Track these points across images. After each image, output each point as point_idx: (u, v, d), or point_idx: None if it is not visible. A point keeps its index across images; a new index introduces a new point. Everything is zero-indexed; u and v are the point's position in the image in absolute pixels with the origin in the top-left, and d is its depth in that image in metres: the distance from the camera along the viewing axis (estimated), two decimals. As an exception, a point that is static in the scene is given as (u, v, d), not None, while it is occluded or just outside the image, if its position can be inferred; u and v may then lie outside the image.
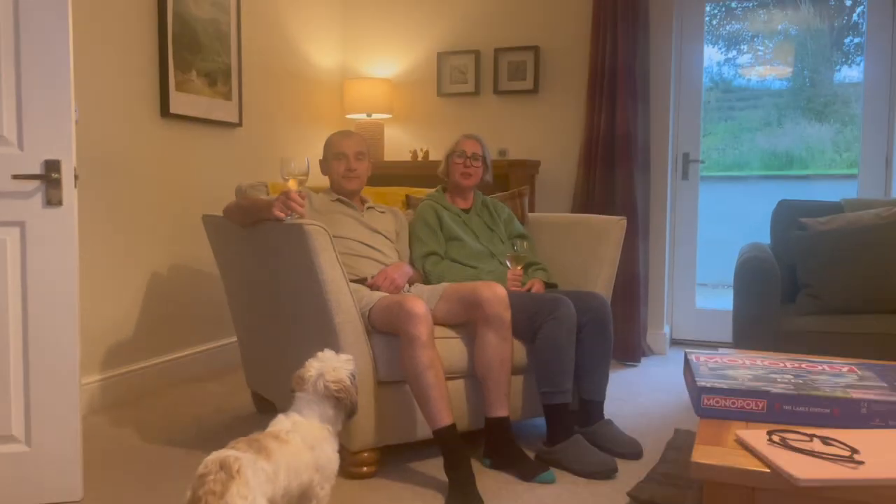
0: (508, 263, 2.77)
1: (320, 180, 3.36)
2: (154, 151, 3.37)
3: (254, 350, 2.93)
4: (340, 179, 2.76)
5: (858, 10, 4.06)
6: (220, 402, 3.20)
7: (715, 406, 1.65)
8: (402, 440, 2.43)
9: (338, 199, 2.77)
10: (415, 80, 4.69)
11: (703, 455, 1.42)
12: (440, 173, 3.04)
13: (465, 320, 2.44)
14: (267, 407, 3.00)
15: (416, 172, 4.28)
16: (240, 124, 3.86)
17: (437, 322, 2.40)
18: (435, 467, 2.43)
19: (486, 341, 2.38)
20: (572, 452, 2.41)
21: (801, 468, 1.31)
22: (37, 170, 2.10)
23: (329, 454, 1.80)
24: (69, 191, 2.13)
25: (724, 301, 4.34)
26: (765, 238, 3.50)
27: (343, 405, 1.85)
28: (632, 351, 3.95)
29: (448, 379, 2.33)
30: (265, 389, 2.90)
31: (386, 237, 2.80)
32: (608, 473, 2.36)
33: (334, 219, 2.68)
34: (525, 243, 2.84)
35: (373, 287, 2.58)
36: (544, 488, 2.27)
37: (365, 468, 2.37)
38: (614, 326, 2.69)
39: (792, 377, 1.75)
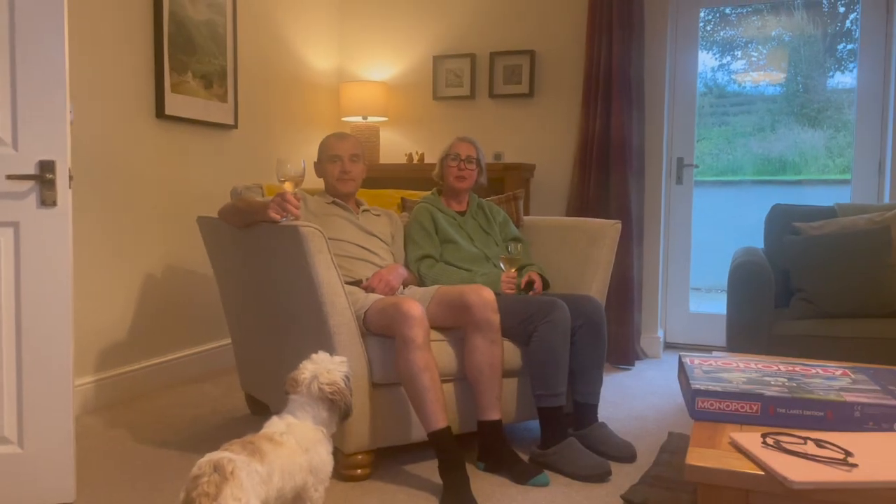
0: (503, 266, 2.77)
1: (316, 183, 3.36)
2: (149, 153, 3.37)
3: (248, 352, 2.92)
4: (335, 182, 2.76)
5: (851, 16, 4.08)
6: (214, 404, 3.19)
7: (709, 409, 1.66)
8: (397, 442, 2.43)
9: (333, 202, 2.77)
10: (410, 83, 4.70)
11: (698, 458, 1.43)
12: (435, 176, 3.04)
13: (455, 324, 2.44)
14: (261, 409, 2.99)
15: (411, 175, 4.28)
16: (235, 126, 3.86)
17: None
18: (429, 470, 2.43)
19: (475, 345, 2.38)
20: (566, 455, 2.41)
21: (795, 471, 1.32)
22: (31, 170, 2.09)
23: (323, 456, 1.80)
24: (63, 191, 2.13)
25: (717, 305, 4.36)
26: (758, 242, 3.51)
27: (337, 407, 1.85)
28: (626, 354, 3.96)
29: (440, 382, 2.32)
30: (259, 391, 2.90)
31: (381, 240, 2.80)
32: (602, 476, 2.36)
33: (329, 221, 2.68)
34: (519, 246, 2.84)
35: (368, 289, 2.58)
36: (538, 491, 2.28)
37: (359, 470, 2.36)
38: (608, 330, 2.70)
39: (786, 380, 1.76)
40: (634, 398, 3.36)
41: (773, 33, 4.25)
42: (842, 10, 4.11)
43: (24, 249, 2.11)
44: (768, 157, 4.37)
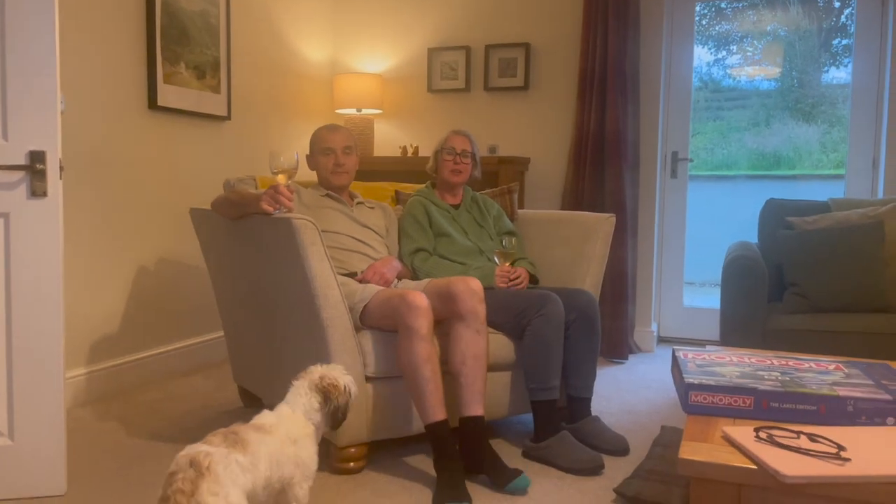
0: (497, 259, 2.76)
1: (309, 175, 3.35)
2: (141, 144, 3.34)
3: (241, 345, 2.91)
4: (329, 175, 2.74)
5: (847, 11, 4.08)
6: (206, 397, 3.18)
7: (702, 403, 1.66)
8: (390, 436, 2.43)
9: (327, 195, 2.76)
10: (405, 75, 4.68)
11: (691, 451, 1.43)
12: (429, 170, 3.03)
13: (443, 314, 2.40)
14: (254, 402, 2.98)
15: (405, 168, 4.27)
16: (228, 118, 3.84)
17: None
18: (422, 462, 2.43)
19: (459, 335, 2.34)
20: (559, 448, 2.41)
21: (788, 465, 1.32)
22: (21, 160, 2.08)
23: (310, 452, 1.79)
24: (54, 182, 2.11)
25: (711, 299, 4.37)
26: (752, 237, 3.51)
27: (330, 404, 1.85)
28: (619, 348, 3.96)
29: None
30: (252, 384, 2.89)
31: (375, 232, 2.79)
32: (595, 470, 2.36)
33: (323, 214, 2.67)
34: (513, 240, 2.84)
35: (363, 282, 2.57)
36: (531, 484, 2.27)
37: (352, 463, 2.36)
38: (602, 324, 2.70)
39: (779, 374, 1.76)
40: (627, 392, 3.36)
41: (769, 28, 4.25)
42: (837, 5, 4.11)
43: (14, 240, 2.09)
44: (763, 152, 4.37)
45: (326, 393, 1.85)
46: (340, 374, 1.91)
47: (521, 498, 2.19)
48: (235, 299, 2.84)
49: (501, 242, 2.84)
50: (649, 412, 3.06)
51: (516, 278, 2.77)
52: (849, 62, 4.05)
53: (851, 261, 2.93)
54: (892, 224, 3.08)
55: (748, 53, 4.36)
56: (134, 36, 3.27)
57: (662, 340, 4.39)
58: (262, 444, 1.65)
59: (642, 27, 4.10)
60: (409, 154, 4.46)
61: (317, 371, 1.90)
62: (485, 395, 2.35)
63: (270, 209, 2.29)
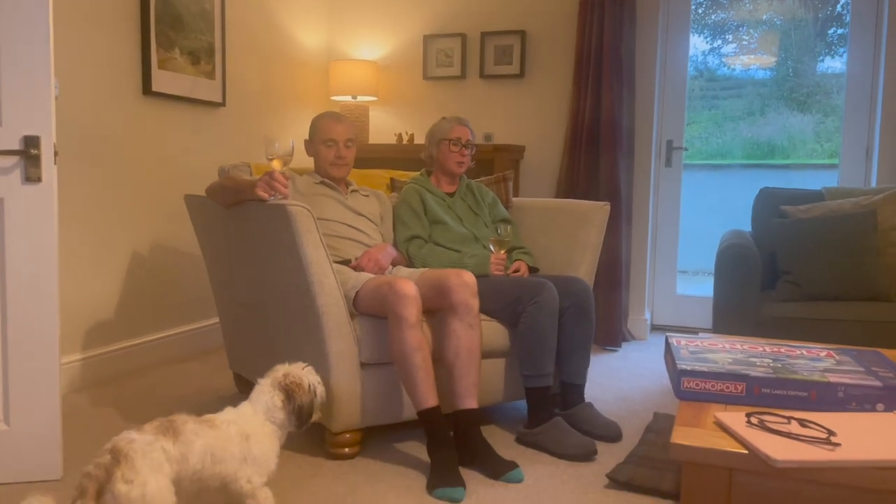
0: (492, 247, 2.77)
1: (304, 162, 3.34)
2: (136, 129, 3.33)
3: (236, 331, 2.92)
4: (329, 167, 2.74)
5: (842, 1, 4.08)
6: (201, 383, 3.19)
7: (695, 389, 1.67)
8: (385, 421, 2.44)
9: (322, 182, 2.76)
10: (401, 62, 4.67)
11: (683, 436, 1.44)
12: (425, 158, 3.03)
13: (436, 306, 2.41)
14: (248, 388, 2.96)
15: (400, 156, 4.27)
16: (223, 104, 3.82)
17: None
18: (417, 448, 2.45)
19: (452, 329, 2.33)
20: (553, 435, 2.43)
21: (779, 450, 1.33)
22: (15, 145, 2.07)
23: (265, 449, 1.77)
24: (49, 167, 2.10)
25: (703, 288, 4.39)
26: (746, 226, 3.53)
27: (293, 403, 1.84)
28: (612, 336, 3.98)
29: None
30: (247, 370, 2.90)
31: (370, 220, 2.80)
32: (588, 455, 2.38)
33: (318, 201, 2.67)
34: (509, 227, 2.84)
35: (357, 268, 2.58)
36: (525, 469, 2.28)
37: (347, 449, 2.37)
38: (595, 311, 2.71)
39: (771, 361, 1.78)
40: (620, 379, 3.38)
41: (765, 17, 4.25)
42: (833, -6, 4.11)
43: (8, 226, 2.08)
44: (757, 141, 4.39)
45: (289, 391, 1.84)
46: (306, 374, 1.90)
47: (515, 483, 2.20)
48: (231, 286, 2.85)
49: (496, 230, 2.84)
50: (642, 399, 3.08)
51: (515, 272, 2.78)
52: (844, 52, 4.05)
53: (844, 249, 2.94)
54: (885, 213, 3.09)
55: (744, 42, 4.36)
56: (128, 21, 3.25)
57: (655, 328, 4.42)
58: (198, 437, 1.63)
59: (638, 15, 4.10)
60: (405, 141, 4.46)
61: (281, 369, 1.90)
62: (479, 387, 2.34)
63: (265, 196, 2.29)
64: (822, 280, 2.93)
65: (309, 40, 4.61)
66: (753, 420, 1.47)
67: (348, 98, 4.56)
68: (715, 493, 1.41)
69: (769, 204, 3.40)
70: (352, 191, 2.83)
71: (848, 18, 3.97)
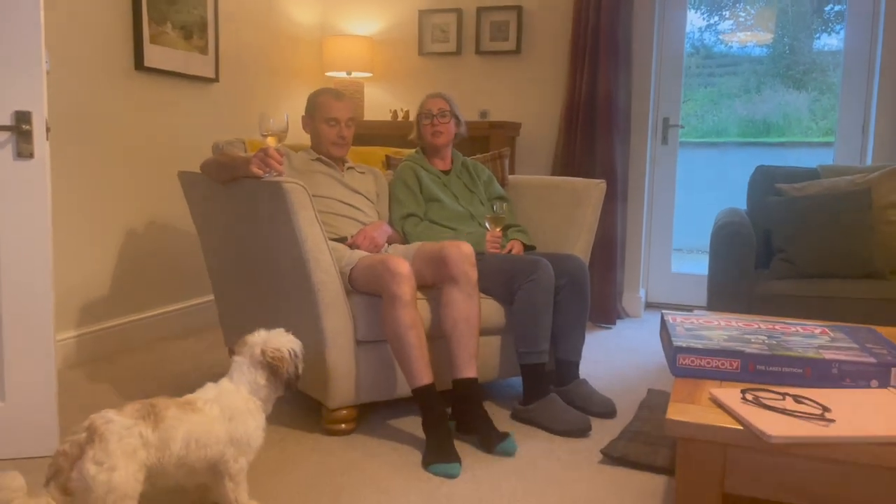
0: (487, 225, 2.77)
1: (299, 137, 3.31)
2: (128, 105, 3.30)
3: (231, 308, 2.91)
4: (330, 146, 2.71)
5: (841, -24, 4.05)
6: (197, 360, 3.19)
7: (690, 365, 1.68)
8: (380, 398, 2.45)
9: (318, 159, 2.74)
10: (396, 38, 4.62)
11: (678, 412, 1.45)
12: (412, 139, 3.01)
13: (434, 279, 2.41)
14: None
15: (396, 133, 4.23)
16: (216, 79, 3.79)
17: None
18: (413, 424, 2.46)
19: (452, 298, 2.35)
20: (548, 411, 2.45)
21: (773, 426, 1.34)
22: (7, 121, 2.04)
23: (250, 428, 1.74)
24: (41, 143, 2.08)
25: (698, 266, 4.40)
26: (741, 204, 3.53)
27: (278, 376, 1.81)
28: (607, 313, 4.00)
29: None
30: (242, 347, 2.90)
31: (366, 197, 2.78)
32: (583, 431, 2.40)
33: (314, 178, 2.66)
34: (504, 205, 2.84)
35: (353, 246, 2.57)
36: (520, 444, 2.30)
37: (343, 425, 2.38)
38: (591, 289, 2.71)
39: (766, 338, 1.78)
40: (615, 356, 3.40)
41: (762, -7, 4.22)
42: (831, -30, 4.08)
43: (1, 202, 2.07)
44: (753, 119, 4.38)
45: (274, 368, 1.79)
46: (284, 342, 1.84)
47: (511, 459, 2.22)
48: (225, 263, 2.84)
49: (492, 208, 2.84)
50: (636, 376, 3.10)
51: (508, 252, 2.78)
52: (841, 29, 4.03)
53: (839, 227, 2.95)
54: (879, 191, 3.10)
55: (740, 19, 4.33)
56: (119, -6, 3.21)
57: (650, 306, 4.43)
58: (180, 423, 1.60)
59: (635, -9, 4.06)
60: (400, 118, 4.43)
61: (257, 344, 1.82)
62: (478, 357, 2.37)
63: (260, 172, 2.27)
64: (816, 258, 2.94)
65: (303, 15, 4.56)
66: (748, 396, 1.48)
67: (343, 74, 4.52)
68: (709, 469, 1.42)
69: (765, 182, 3.40)
70: (348, 168, 2.82)
71: (846, -5, 3.94)
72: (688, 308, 4.28)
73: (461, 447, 2.25)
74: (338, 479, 2.07)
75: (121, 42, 3.23)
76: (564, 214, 3.00)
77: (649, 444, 2.28)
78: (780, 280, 2.93)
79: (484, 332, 2.53)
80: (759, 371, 1.64)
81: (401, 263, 2.26)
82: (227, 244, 2.76)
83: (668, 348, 1.77)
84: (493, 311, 2.56)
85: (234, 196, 2.52)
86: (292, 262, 2.30)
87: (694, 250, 4.68)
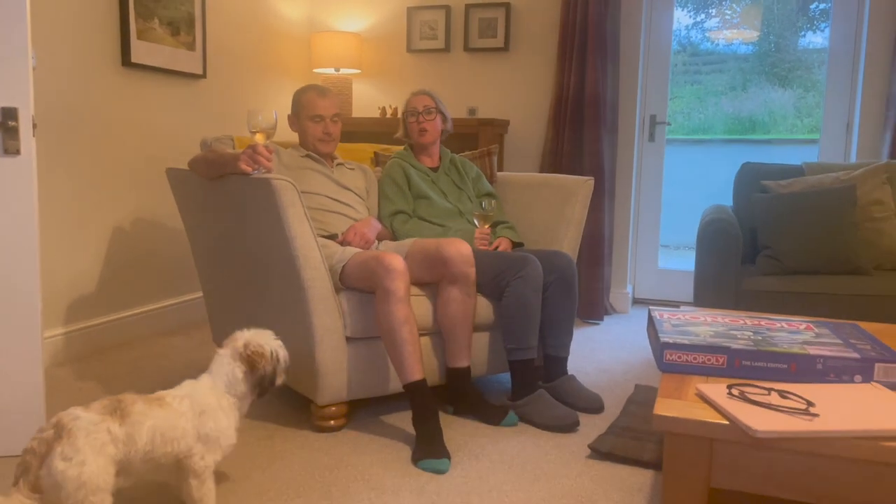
0: (476, 222, 2.77)
1: (288, 136, 3.31)
2: (115, 101, 3.28)
3: (220, 305, 2.91)
4: (316, 143, 2.72)
5: (826, -25, 4.09)
6: (186, 357, 3.18)
7: (677, 361, 1.70)
8: (370, 395, 2.45)
9: (307, 156, 2.74)
10: (384, 35, 4.62)
11: (665, 408, 1.47)
12: (399, 137, 3.02)
13: (431, 278, 2.45)
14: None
15: (384, 129, 4.24)
16: (204, 76, 3.77)
17: None
18: (402, 420, 2.47)
19: (451, 297, 2.42)
20: (536, 406, 2.46)
21: (759, 420, 1.36)
22: (-6, 117, 2.03)
23: (221, 425, 1.73)
24: (27, 139, 2.07)
25: (685, 262, 4.43)
26: (727, 200, 3.56)
27: (256, 374, 1.81)
28: (595, 309, 4.02)
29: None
30: (231, 344, 2.89)
31: (355, 194, 2.79)
32: (570, 427, 2.42)
33: (303, 174, 2.65)
34: (493, 202, 2.84)
35: (343, 243, 2.57)
36: (508, 440, 2.32)
37: (333, 421, 2.39)
38: (579, 285, 2.73)
39: (751, 334, 1.80)
40: (602, 352, 3.42)
41: (749, -9, 4.25)
42: (816, -32, 4.11)
43: (-12, 199, 2.05)
44: (739, 117, 4.41)
45: (251, 362, 1.80)
46: (267, 341, 1.85)
47: (497, 454, 2.24)
48: (214, 260, 2.83)
49: (481, 204, 2.84)
50: (623, 371, 3.12)
51: (497, 248, 2.79)
52: (826, 27, 4.07)
53: (824, 224, 2.98)
54: (864, 188, 3.13)
55: (727, 17, 4.36)
56: (105, -10, 3.19)
57: (637, 302, 4.46)
58: (147, 418, 1.60)
59: (623, -12, 4.08)
60: (388, 115, 4.43)
61: (241, 338, 1.84)
62: (471, 348, 2.50)
63: (249, 169, 2.27)
64: (801, 254, 2.97)
65: (291, 11, 4.55)
66: (734, 391, 1.50)
67: (331, 70, 4.51)
68: (696, 463, 1.44)
69: (750, 179, 3.43)
70: (337, 164, 2.82)
71: (831, -7, 3.97)
72: (675, 304, 4.31)
73: (450, 442, 2.27)
74: (327, 476, 2.08)
75: (108, 38, 3.21)
76: (552, 211, 3.01)
77: (637, 439, 2.30)
78: (765, 276, 2.96)
79: (473, 328, 2.54)
80: (744, 366, 1.66)
81: (395, 259, 2.26)
82: (215, 241, 2.75)
83: (656, 344, 1.79)
84: (481, 307, 2.58)
85: (223, 193, 2.51)
86: (281, 259, 2.30)
87: (681, 247, 4.72)
